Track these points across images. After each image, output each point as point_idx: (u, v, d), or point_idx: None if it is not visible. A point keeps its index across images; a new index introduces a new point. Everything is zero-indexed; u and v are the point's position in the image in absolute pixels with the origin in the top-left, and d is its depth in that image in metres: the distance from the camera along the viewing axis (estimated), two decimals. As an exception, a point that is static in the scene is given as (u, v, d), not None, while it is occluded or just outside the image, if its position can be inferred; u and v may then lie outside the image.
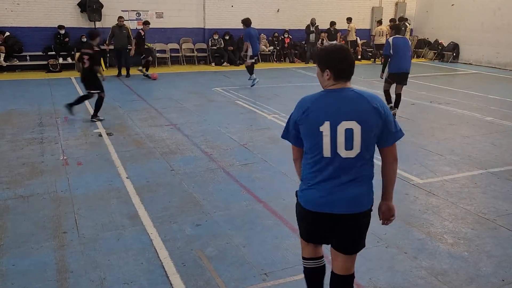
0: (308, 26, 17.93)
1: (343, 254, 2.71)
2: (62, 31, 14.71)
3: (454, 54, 19.46)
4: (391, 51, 8.52)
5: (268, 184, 5.56)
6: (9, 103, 9.82)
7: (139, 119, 8.58)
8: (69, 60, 14.87)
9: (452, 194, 5.32)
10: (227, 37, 17.04)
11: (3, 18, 14.14)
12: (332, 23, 18.01)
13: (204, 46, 17.30)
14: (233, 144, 7.14)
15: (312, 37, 17.93)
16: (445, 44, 19.81)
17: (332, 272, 2.80)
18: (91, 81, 8.39)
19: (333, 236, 2.70)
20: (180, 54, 16.88)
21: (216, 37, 16.97)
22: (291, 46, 18.60)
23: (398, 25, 9.46)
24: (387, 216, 2.79)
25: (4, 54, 13.92)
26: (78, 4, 15.12)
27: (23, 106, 9.60)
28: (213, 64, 16.96)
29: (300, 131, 2.60)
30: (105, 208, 4.81)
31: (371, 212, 2.69)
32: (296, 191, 2.78)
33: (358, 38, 19.23)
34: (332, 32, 18.05)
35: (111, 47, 14.78)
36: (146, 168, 6.04)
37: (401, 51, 8.50)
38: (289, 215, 4.64)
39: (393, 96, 8.86)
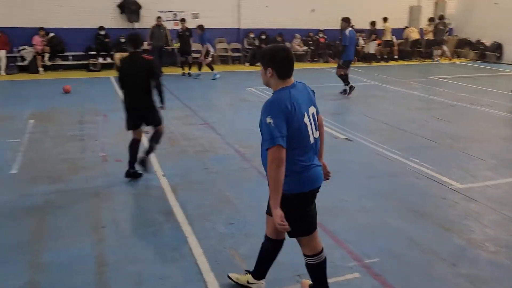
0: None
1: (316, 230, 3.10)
2: (102, 32, 15.15)
3: (498, 55, 18.82)
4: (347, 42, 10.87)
5: (301, 184, 5.55)
6: (52, 101, 10.20)
7: (174, 117, 8.73)
8: (108, 60, 15.30)
9: (493, 200, 5.16)
10: (263, 37, 17.10)
11: (48, 19, 14.69)
12: (373, 23, 17.70)
13: (238, 46, 17.43)
14: (267, 144, 7.15)
15: (347, 37, 17.69)
16: (488, 44, 19.18)
17: (282, 239, 3.21)
18: None
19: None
20: (215, 54, 17.04)
21: (252, 35, 17.05)
22: (325, 46, 18.48)
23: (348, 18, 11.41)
24: (326, 172, 3.21)
25: (48, 54, 14.47)
26: (118, 6, 15.53)
27: (65, 104, 9.96)
28: (247, 64, 17.05)
29: (288, 130, 2.69)
30: (142, 204, 4.95)
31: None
32: (286, 194, 2.72)
33: (394, 37, 18.90)
34: (371, 31, 17.78)
35: (149, 47, 15.14)
36: (180, 166, 6.15)
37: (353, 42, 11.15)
38: (323, 216, 4.58)
39: None
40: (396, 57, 19.03)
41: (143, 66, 5.37)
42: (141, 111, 5.50)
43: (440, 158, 6.53)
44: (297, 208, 2.89)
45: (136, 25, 15.77)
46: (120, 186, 5.44)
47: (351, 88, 11.29)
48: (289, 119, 2.68)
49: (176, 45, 15.46)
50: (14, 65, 14.36)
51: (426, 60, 19.20)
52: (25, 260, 3.82)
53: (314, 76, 14.58)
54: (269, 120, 2.64)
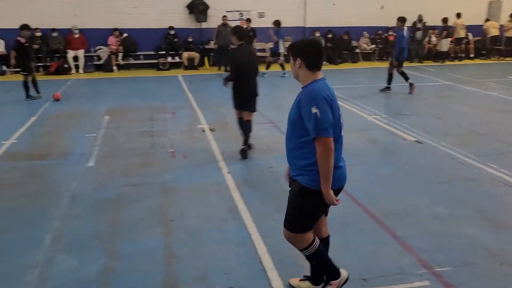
0: (414, 23, 17.08)
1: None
2: (172, 32, 15.67)
3: None
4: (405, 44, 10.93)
5: (367, 187, 5.42)
6: (124, 99, 10.72)
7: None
8: (177, 59, 15.82)
9: None
10: (329, 36, 16.89)
11: (122, 20, 15.47)
12: (445, 19, 16.91)
13: (304, 45, 17.29)
14: (332, 144, 7.05)
15: (418, 34, 17.08)
16: None
17: (324, 238, 3.27)
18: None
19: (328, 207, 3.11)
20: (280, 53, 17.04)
21: (317, 34, 16.89)
22: (395, 44, 17.86)
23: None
24: None
25: (122, 53, 15.23)
26: (187, 6, 16.00)
27: (136, 101, 10.43)
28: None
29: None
30: (208, 200, 5.06)
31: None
32: (303, 188, 2.89)
33: (470, 34, 17.91)
34: (443, 28, 16.99)
35: (215, 45, 15.55)
36: (245, 164, 6.23)
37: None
38: (390, 221, 4.50)
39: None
40: (472, 55, 18.03)
41: (255, 55, 6.41)
42: (252, 95, 6.31)
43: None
44: (316, 204, 2.94)
45: (204, 25, 16.18)
46: (187, 181, 5.60)
47: (387, 88, 11.31)
48: (332, 109, 2.78)
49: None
50: (91, 64, 15.27)
51: (506, 59, 17.99)
52: (102, 248, 4.05)
53: (383, 75, 14.15)
54: (314, 110, 2.71)
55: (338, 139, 2.89)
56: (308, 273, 3.43)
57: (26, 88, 10.46)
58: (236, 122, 6.66)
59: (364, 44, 17.64)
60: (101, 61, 15.30)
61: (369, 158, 6.42)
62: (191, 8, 15.96)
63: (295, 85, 10.43)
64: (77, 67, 14.99)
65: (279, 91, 11.53)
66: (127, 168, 6.05)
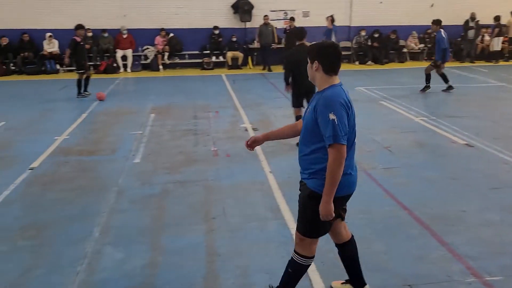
0: (466, 22, 16.46)
1: (344, 220, 3.18)
2: (217, 31, 15.85)
3: None
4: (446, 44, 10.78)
5: (413, 190, 5.27)
6: (170, 97, 10.95)
7: (282, 115, 8.80)
8: (221, 59, 15.98)
9: None
10: (376, 35, 16.55)
11: (168, 20, 15.80)
12: (497, 18, 16.19)
13: (348, 44, 17.05)
14: (376, 146, 6.92)
15: (470, 33, 16.44)
16: None
17: (344, 243, 3.20)
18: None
19: (342, 209, 3.08)
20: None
21: (363, 34, 16.60)
22: (444, 43, 17.26)
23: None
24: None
25: (168, 53, 15.57)
26: (232, 6, 16.14)
27: (181, 100, 10.63)
28: (356, 62, 16.63)
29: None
30: (250, 199, 5.08)
31: None
32: (313, 192, 2.86)
33: (526, 33, 17.04)
34: (495, 27, 16.26)
35: (258, 44, 15.64)
36: (287, 164, 6.19)
37: None
38: (437, 226, 4.35)
39: None
40: (527, 55, 17.16)
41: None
42: (310, 92, 6.43)
43: None
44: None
45: (248, 25, 16.26)
46: (229, 180, 5.64)
47: (427, 87, 11.13)
48: (348, 116, 2.76)
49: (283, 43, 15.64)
50: (138, 63, 15.70)
51: None
52: (147, 242, 4.16)
53: (432, 75, 13.72)
54: (332, 116, 2.67)
55: (351, 146, 2.87)
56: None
57: (79, 86, 10.89)
58: (294, 119, 6.91)
59: (412, 43, 17.15)
60: (148, 61, 15.69)
61: (416, 161, 6.24)
62: (236, 7, 16.08)
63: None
64: (125, 66, 15.44)
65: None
66: (171, 165, 6.18)
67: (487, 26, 16.65)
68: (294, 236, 4.15)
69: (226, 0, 16.11)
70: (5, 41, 14.73)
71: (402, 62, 16.95)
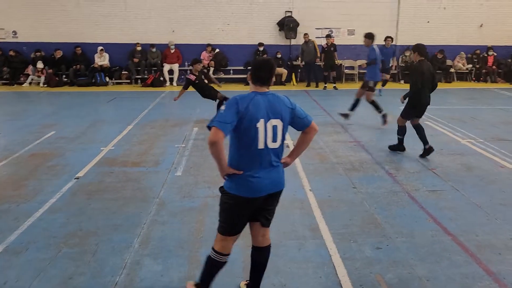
0: (517, 42, 15.88)
1: (266, 227, 3.39)
2: (261, 48, 16.04)
3: None
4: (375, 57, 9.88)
5: (459, 215, 5.08)
6: (213, 111, 11.08)
7: (324, 133, 8.75)
8: (264, 75, 16.10)
9: None
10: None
11: (215, 36, 16.19)
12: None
13: (394, 63, 16.79)
14: (420, 168, 6.73)
15: (521, 54, 15.81)
16: None
17: (257, 247, 3.42)
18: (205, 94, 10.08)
19: (261, 215, 3.31)
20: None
21: (407, 53, 16.32)
22: (495, 64, 16.70)
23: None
24: (285, 166, 3.37)
25: (213, 68, 15.88)
26: (278, 23, 16.31)
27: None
28: (402, 81, 16.33)
29: (238, 125, 3.03)
30: (289, 217, 5.04)
31: None
32: (221, 188, 3.26)
33: None
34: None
35: (302, 63, 15.73)
36: (328, 183, 6.13)
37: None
38: (483, 254, 4.16)
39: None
40: None
41: (432, 70, 7.12)
42: (427, 106, 7.23)
43: None
44: (229, 206, 3.21)
45: (293, 42, 16.37)
46: (269, 196, 5.63)
47: (384, 116, 9.42)
48: (241, 117, 3.02)
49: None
50: (184, 78, 16.07)
51: None
52: (185, 255, 4.20)
53: (478, 97, 13.28)
54: (223, 108, 3.07)
55: (249, 149, 3.10)
56: None
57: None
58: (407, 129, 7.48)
59: (460, 63, 16.69)
60: (196, 82, 16.01)
61: (463, 185, 6.02)
62: (281, 25, 16.24)
63: (382, 104, 10.03)
64: (171, 80, 15.87)
65: (365, 110, 11.21)
66: (211, 179, 6.24)
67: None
68: (333, 258, 4.12)
69: (272, 17, 16.31)
70: (59, 54, 15.54)
71: (449, 82, 16.51)
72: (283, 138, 3.21)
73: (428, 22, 16.56)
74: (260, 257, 3.45)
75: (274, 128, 3.12)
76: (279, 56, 16.04)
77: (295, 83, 16.20)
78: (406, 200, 5.52)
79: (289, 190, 5.81)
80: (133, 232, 4.63)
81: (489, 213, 5.11)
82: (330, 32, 16.28)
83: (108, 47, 15.75)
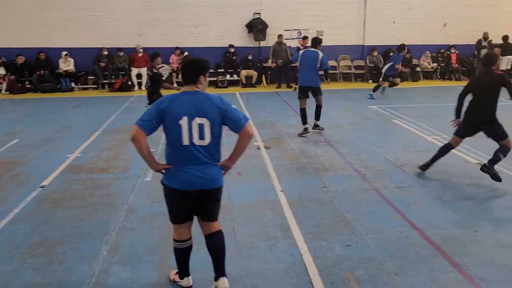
0: (479, 41, 16.40)
1: (209, 222, 3.53)
2: (232, 50, 16.02)
3: None
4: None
5: (425, 210, 5.19)
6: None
7: (295, 134, 8.81)
8: (235, 77, 16.13)
9: None
10: (391, 54, 16.53)
11: (184, 39, 16.08)
12: (505, 37, 16.18)
13: (362, 63, 17.11)
14: (388, 165, 6.86)
15: (483, 52, 16.31)
16: None
17: (207, 235, 3.57)
18: (151, 98, 8.94)
19: (201, 211, 3.49)
20: (337, 71, 16.96)
21: (375, 54, 16.63)
22: (457, 62, 17.21)
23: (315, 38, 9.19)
24: (227, 169, 3.56)
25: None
26: (246, 25, 16.34)
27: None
28: (370, 81, 16.63)
29: (163, 123, 3.27)
30: (260, 218, 5.05)
31: None
32: (161, 180, 3.45)
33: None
34: (506, 46, 16.22)
35: (274, 64, 15.78)
36: (299, 183, 6.17)
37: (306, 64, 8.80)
38: (449, 247, 4.27)
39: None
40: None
41: (495, 81, 5.88)
42: (484, 123, 6.03)
43: None
44: (167, 197, 3.46)
45: (262, 44, 16.43)
46: (240, 198, 5.63)
47: (305, 130, 8.78)
48: (163, 115, 3.24)
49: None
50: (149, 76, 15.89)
51: None
52: (156, 261, 4.14)
53: (444, 95, 13.64)
54: (148, 106, 3.24)
55: (175, 145, 3.30)
56: None
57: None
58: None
59: (426, 62, 17.12)
60: (163, 79, 15.86)
61: (429, 181, 6.16)
62: (250, 27, 16.28)
63: (351, 104, 10.26)
64: (139, 84, 15.67)
65: (335, 110, 11.37)
66: (182, 183, 6.18)
67: (499, 46, 16.57)
68: (304, 257, 4.15)
69: (241, 19, 16.33)
70: (21, 59, 15.07)
71: (416, 81, 16.91)
72: (215, 137, 3.31)
73: (394, 22, 16.92)
74: (211, 243, 3.58)
75: (200, 126, 3.24)
76: (250, 58, 16.08)
77: (265, 84, 16.26)
78: (375, 198, 5.61)
79: (260, 191, 5.85)
80: (102, 239, 4.53)
81: (454, 207, 5.25)
82: (299, 34, 16.45)
83: (73, 52, 15.43)
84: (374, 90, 13.22)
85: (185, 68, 3.37)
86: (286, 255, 4.22)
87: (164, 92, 6.79)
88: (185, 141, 3.25)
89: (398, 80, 13.44)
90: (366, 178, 6.29)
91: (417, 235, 4.57)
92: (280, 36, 15.71)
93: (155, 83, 9.36)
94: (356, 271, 3.90)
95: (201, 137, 3.26)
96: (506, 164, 6.70)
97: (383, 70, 13.24)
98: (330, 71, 16.85)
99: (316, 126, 9.09)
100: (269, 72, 16.45)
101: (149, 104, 9.14)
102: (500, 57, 16.56)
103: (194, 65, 3.36)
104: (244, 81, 15.92)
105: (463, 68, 17.27)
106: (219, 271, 3.58)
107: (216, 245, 3.57)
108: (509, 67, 16.65)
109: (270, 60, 16.04)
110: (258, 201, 5.54)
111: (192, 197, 3.38)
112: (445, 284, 3.68)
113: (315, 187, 6.00)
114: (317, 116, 9.08)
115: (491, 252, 4.20)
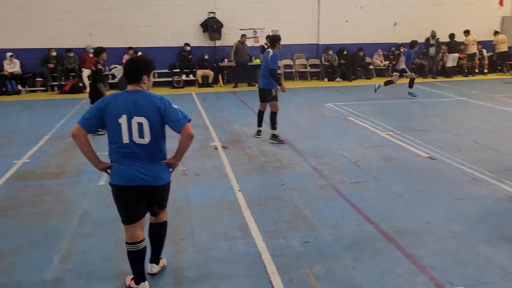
0: (427, 39, 17.01)
1: (155, 216, 3.68)
2: (188, 48, 15.83)
3: None
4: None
5: (380, 204, 5.33)
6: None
7: (253, 133, 8.82)
8: (191, 77, 15.97)
9: None
10: (344, 52, 16.91)
11: (137, 39, 15.72)
12: (452, 35, 16.94)
13: (317, 61, 17.36)
14: (344, 161, 7.00)
15: (432, 50, 16.98)
16: None
17: (152, 224, 3.75)
18: (94, 97, 8.45)
19: (147, 206, 3.52)
20: (293, 70, 17.14)
21: (330, 52, 16.94)
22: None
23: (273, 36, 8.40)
24: (173, 167, 3.58)
25: (136, 71, 15.42)
26: (201, 25, 16.21)
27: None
28: (325, 79, 16.92)
29: (104, 121, 3.31)
30: (219, 219, 5.01)
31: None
32: (109, 181, 3.44)
33: (484, 50, 17.81)
34: (452, 44, 16.96)
35: (233, 63, 15.73)
36: (257, 182, 6.18)
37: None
38: (403, 239, 4.40)
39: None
40: (485, 71, 17.86)
41: None
42: None
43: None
44: (115, 197, 3.45)
45: (218, 43, 16.36)
46: (198, 199, 5.58)
47: (259, 132, 8.60)
48: (103, 113, 3.29)
49: (257, 61, 15.80)
50: (106, 83, 15.45)
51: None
52: (110, 268, 4.03)
53: (396, 91, 14.07)
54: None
55: (112, 141, 3.36)
56: None
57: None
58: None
59: (378, 60, 17.60)
60: (116, 80, 15.51)
61: (382, 175, 6.33)
62: (205, 26, 16.16)
63: (307, 102, 10.38)
64: (92, 86, 15.20)
65: (292, 108, 11.48)
66: (138, 186, 6.05)
67: (446, 44, 17.29)
68: (262, 255, 4.15)
69: (195, 19, 16.17)
70: (-38, 62, 14.30)
71: (369, 78, 17.36)
72: (157, 136, 3.34)
73: (347, 21, 17.27)
74: (155, 233, 3.76)
75: (139, 125, 3.26)
76: (206, 57, 15.96)
77: (222, 84, 16.19)
78: (332, 194, 5.70)
79: (218, 192, 5.81)
80: (54, 247, 4.36)
81: (407, 200, 5.42)
82: (254, 33, 16.51)
83: (19, 53, 14.77)
84: (410, 86, 13.01)
85: (127, 67, 3.38)
86: (245, 254, 4.21)
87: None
88: (125, 139, 3.28)
89: (396, 77, 13.26)
90: (323, 175, 6.38)
91: (372, 228, 4.68)
92: (243, 36, 15.73)
93: (96, 80, 8.91)
94: (315, 266, 3.95)
95: (141, 135, 3.28)
96: (455, 157, 7.00)
97: (402, 66, 13.01)
98: (286, 70, 17.16)
99: (273, 137, 8.15)
100: (226, 72, 16.40)
101: (91, 103, 8.87)
102: (447, 54, 17.32)
103: (137, 64, 3.39)
104: (200, 81, 15.78)
105: (413, 66, 17.83)
106: (154, 256, 3.83)
107: (158, 235, 3.77)
108: (455, 64, 17.44)
109: (229, 59, 16.00)
110: (216, 202, 5.51)
111: (138, 193, 3.39)
112: (399, 275, 3.78)
113: (274, 185, 6.03)
114: (271, 124, 8.16)
115: (442, 242, 4.36)
